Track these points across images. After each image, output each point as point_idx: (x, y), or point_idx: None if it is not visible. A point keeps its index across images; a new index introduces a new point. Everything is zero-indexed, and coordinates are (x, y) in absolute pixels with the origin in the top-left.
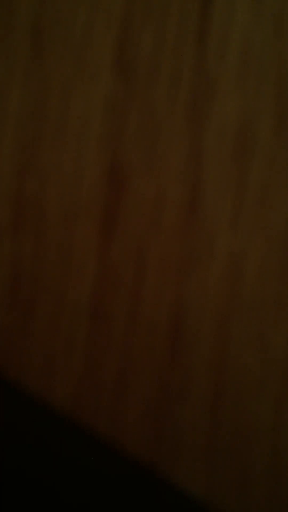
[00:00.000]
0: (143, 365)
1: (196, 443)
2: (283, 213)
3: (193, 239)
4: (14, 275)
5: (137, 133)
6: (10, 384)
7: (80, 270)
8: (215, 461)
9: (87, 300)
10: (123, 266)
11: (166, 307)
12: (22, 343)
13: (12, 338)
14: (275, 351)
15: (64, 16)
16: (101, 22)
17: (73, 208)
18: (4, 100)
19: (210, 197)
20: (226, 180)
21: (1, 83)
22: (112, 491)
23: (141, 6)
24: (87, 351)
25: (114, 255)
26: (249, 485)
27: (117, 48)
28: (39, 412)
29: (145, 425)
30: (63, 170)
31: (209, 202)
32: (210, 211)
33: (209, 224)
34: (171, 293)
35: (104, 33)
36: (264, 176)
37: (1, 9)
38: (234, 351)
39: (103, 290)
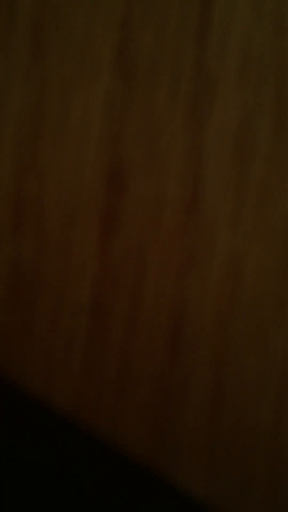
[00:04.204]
0: (143, 364)
1: (196, 443)
2: (283, 213)
3: (193, 239)
4: (14, 275)
5: (137, 133)
6: (10, 384)
7: (80, 270)
8: (215, 461)
9: (87, 300)
10: (123, 266)
11: (166, 306)
12: (22, 343)
13: (12, 338)
14: (275, 351)
15: (64, 16)
16: (101, 22)
17: (73, 208)
18: (4, 100)
19: (210, 197)
20: (226, 180)
21: (1, 83)
22: (112, 491)
23: (141, 6)
24: (87, 351)
25: (114, 255)
26: (249, 485)
27: (117, 48)
28: (39, 412)
29: (145, 424)
30: (63, 170)
31: (209, 202)
32: (210, 211)
33: (209, 224)
34: (171, 292)
35: (104, 33)
36: (264, 176)
37: (1, 9)
38: (234, 351)
39: (103, 290)
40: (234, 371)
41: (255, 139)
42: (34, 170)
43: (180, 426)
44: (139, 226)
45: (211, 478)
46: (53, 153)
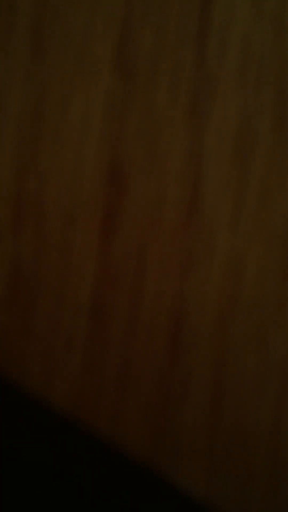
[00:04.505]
0: (143, 364)
1: (196, 443)
2: (283, 213)
3: (193, 239)
4: (14, 275)
5: (137, 133)
6: (10, 384)
7: (80, 270)
8: (215, 461)
9: (87, 300)
10: (123, 266)
11: (166, 306)
12: (22, 342)
13: (12, 337)
14: (275, 351)
15: (64, 16)
16: (101, 22)
17: (73, 208)
18: (4, 100)
19: (210, 197)
20: (226, 180)
21: (1, 83)
22: (112, 491)
23: (141, 6)
24: (87, 351)
25: (114, 255)
26: (249, 485)
27: (117, 48)
28: (39, 412)
29: (145, 424)
30: (63, 170)
31: (209, 202)
32: (210, 211)
33: (209, 224)
34: (171, 292)
35: (104, 33)
36: (264, 176)
37: (1, 9)
38: (234, 351)
39: (103, 290)
40: (234, 371)
41: (255, 139)
42: (34, 170)
43: (180, 426)
44: (139, 226)
45: (211, 478)
46: (53, 153)
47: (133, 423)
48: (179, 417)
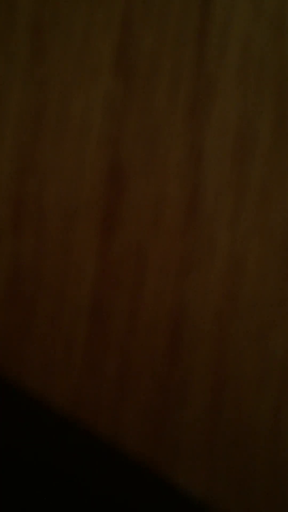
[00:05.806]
0: (143, 365)
1: (196, 443)
2: (283, 213)
3: (193, 239)
4: (14, 275)
5: (137, 133)
6: (10, 383)
7: (80, 270)
8: (215, 461)
9: (87, 300)
10: (123, 266)
11: (166, 307)
12: (22, 342)
13: (12, 338)
14: (275, 351)
15: (64, 16)
16: (101, 22)
17: (73, 207)
18: (4, 100)
19: (210, 197)
20: (226, 180)
21: (1, 83)
22: (112, 491)
23: (141, 6)
24: (87, 351)
25: (114, 255)
26: (249, 485)
27: (117, 48)
28: (38, 412)
29: (145, 424)
30: (63, 170)
31: (209, 202)
32: (210, 211)
33: (209, 224)
34: (171, 293)
35: (104, 33)
36: (264, 176)
37: (1, 9)
38: (234, 351)
39: (103, 290)
40: (234, 371)
41: (255, 139)
42: (34, 170)
43: (180, 426)
44: (139, 226)
45: (211, 478)
46: (53, 153)
47: (133, 423)
48: (179, 417)
